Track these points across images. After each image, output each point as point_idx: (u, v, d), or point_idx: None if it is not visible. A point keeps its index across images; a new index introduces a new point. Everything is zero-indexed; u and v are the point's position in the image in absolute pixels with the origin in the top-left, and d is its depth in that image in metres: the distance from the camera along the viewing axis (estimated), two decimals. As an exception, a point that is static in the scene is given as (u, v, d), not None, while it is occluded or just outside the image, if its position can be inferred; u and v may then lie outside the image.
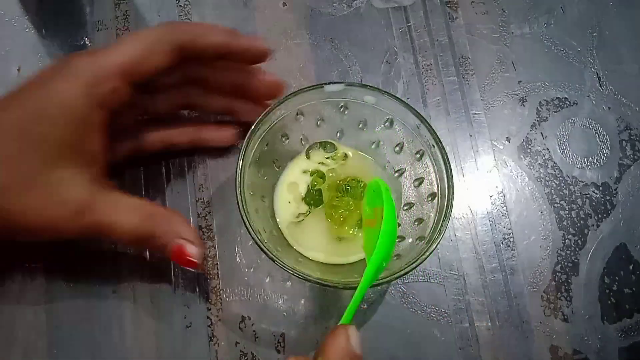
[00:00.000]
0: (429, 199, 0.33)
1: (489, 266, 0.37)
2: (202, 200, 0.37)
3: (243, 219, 0.30)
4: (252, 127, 0.32)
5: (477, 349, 0.36)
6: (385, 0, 0.43)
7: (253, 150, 0.33)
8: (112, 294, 0.35)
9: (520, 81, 0.41)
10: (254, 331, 0.35)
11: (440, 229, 0.31)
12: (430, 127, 0.33)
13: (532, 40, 0.42)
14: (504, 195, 0.39)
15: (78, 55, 0.31)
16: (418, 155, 0.34)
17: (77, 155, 0.31)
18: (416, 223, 0.33)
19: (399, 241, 0.33)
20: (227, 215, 0.37)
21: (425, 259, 0.30)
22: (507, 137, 0.40)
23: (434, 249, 0.30)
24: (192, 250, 0.31)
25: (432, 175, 0.33)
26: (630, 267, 0.38)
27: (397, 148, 0.36)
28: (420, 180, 0.34)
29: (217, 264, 0.36)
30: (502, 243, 0.38)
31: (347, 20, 0.42)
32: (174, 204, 0.37)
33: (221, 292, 0.36)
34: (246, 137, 0.32)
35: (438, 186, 0.33)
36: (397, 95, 0.33)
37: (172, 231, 0.32)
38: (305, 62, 0.41)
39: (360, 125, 0.36)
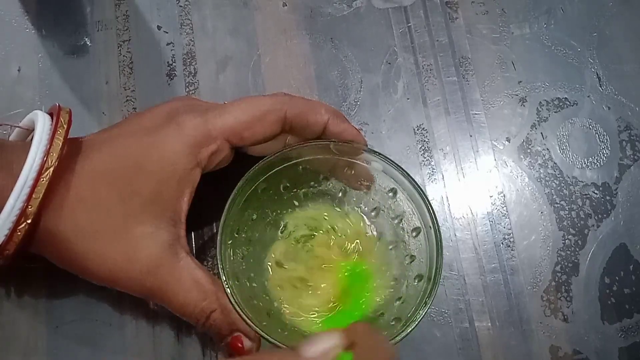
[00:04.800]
0: (416, 280, 0.32)
1: (489, 266, 0.37)
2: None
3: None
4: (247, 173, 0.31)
5: (477, 349, 0.36)
6: (385, 0, 0.43)
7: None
8: (113, 294, 0.35)
9: (520, 81, 0.41)
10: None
11: (416, 316, 0.29)
12: (431, 207, 0.31)
13: (532, 40, 0.42)
14: (504, 196, 0.39)
15: (189, 114, 0.31)
16: (414, 233, 0.33)
17: (164, 213, 0.30)
18: (397, 302, 0.32)
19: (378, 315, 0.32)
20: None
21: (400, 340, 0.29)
22: (507, 137, 0.40)
23: (411, 330, 0.29)
24: (248, 345, 0.30)
25: (424, 254, 0.32)
26: (630, 267, 0.38)
27: (397, 220, 0.34)
28: (412, 258, 0.33)
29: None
30: (502, 243, 0.38)
31: (347, 20, 0.42)
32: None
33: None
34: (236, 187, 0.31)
35: (426, 268, 0.31)
36: (402, 167, 0.32)
37: (228, 321, 0.30)
38: (305, 62, 0.41)
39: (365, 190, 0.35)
